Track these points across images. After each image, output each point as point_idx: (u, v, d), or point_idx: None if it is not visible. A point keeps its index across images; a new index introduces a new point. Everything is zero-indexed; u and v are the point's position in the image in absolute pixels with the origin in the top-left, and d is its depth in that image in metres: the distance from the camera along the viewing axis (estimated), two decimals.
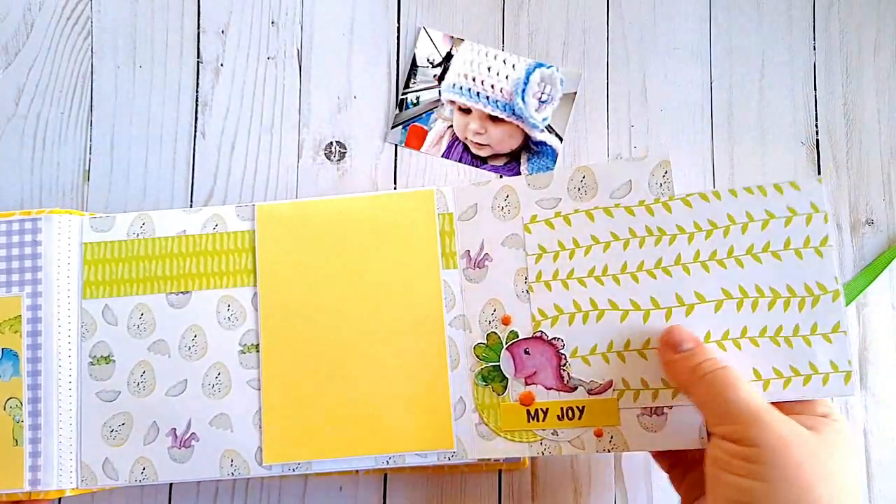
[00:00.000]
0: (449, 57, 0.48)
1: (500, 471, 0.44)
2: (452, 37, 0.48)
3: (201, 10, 0.48)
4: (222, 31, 0.48)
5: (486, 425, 0.40)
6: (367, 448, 0.40)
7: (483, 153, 0.47)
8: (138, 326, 0.41)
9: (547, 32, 0.48)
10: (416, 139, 0.47)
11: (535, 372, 0.40)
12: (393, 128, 0.47)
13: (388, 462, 0.40)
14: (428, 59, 0.48)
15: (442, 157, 0.47)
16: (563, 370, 0.39)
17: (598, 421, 0.38)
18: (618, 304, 0.39)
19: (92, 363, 0.41)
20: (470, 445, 0.40)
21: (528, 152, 0.47)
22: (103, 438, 0.40)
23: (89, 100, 0.47)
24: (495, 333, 0.40)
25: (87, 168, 0.46)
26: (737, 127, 0.48)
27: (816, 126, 0.48)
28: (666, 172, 0.39)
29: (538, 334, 0.40)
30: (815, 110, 0.48)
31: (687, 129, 0.48)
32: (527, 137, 0.47)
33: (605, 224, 0.39)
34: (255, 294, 0.41)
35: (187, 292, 0.42)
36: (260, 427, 0.40)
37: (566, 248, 0.40)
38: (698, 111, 0.48)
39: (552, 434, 0.39)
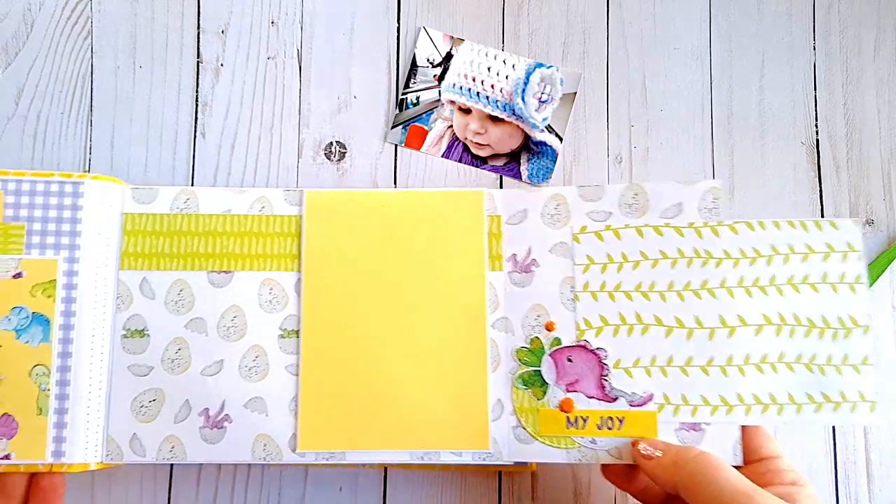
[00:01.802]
0: (449, 57, 0.48)
1: (499, 472, 0.44)
2: (452, 37, 0.48)
3: (201, 10, 0.48)
4: (222, 31, 0.48)
5: (524, 429, 0.39)
6: (403, 442, 0.39)
7: (483, 153, 0.47)
8: (176, 302, 0.41)
9: (547, 32, 0.48)
10: (416, 139, 0.47)
11: (577, 380, 0.40)
12: (393, 128, 0.47)
13: (423, 458, 0.39)
14: (428, 59, 0.48)
15: (442, 157, 0.47)
16: (605, 380, 0.39)
17: (636, 432, 0.39)
18: (662, 320, 0.39)
19: (125, 336, 0.40)
20: (506, 447, 0.39)
21: (528, 152, 0.47)
22: (133, 413, 0.40)
23: (89, 100, 0.47)
24: (538, 338, 0.40)
25: (87, 168, 0.46)
26: (737, 127, 0.48)
27: (816, 126, 0.48)
28: (716, 198, 0.40)
29: (582, 343, 0.40)
30: (815, 110, 0.48)
31: (687, 129, 0.47)
32: (527, 137, 0.47)
33: (654, 242, 0.40)
34: (299, 279, 0.41)
35: (229, 272, 0.41)
36: (296, 413, 0.40)
37: (615, 261, 0.40)
38: (698, 111, 0.48)
39: (591, 442, 0.39)
